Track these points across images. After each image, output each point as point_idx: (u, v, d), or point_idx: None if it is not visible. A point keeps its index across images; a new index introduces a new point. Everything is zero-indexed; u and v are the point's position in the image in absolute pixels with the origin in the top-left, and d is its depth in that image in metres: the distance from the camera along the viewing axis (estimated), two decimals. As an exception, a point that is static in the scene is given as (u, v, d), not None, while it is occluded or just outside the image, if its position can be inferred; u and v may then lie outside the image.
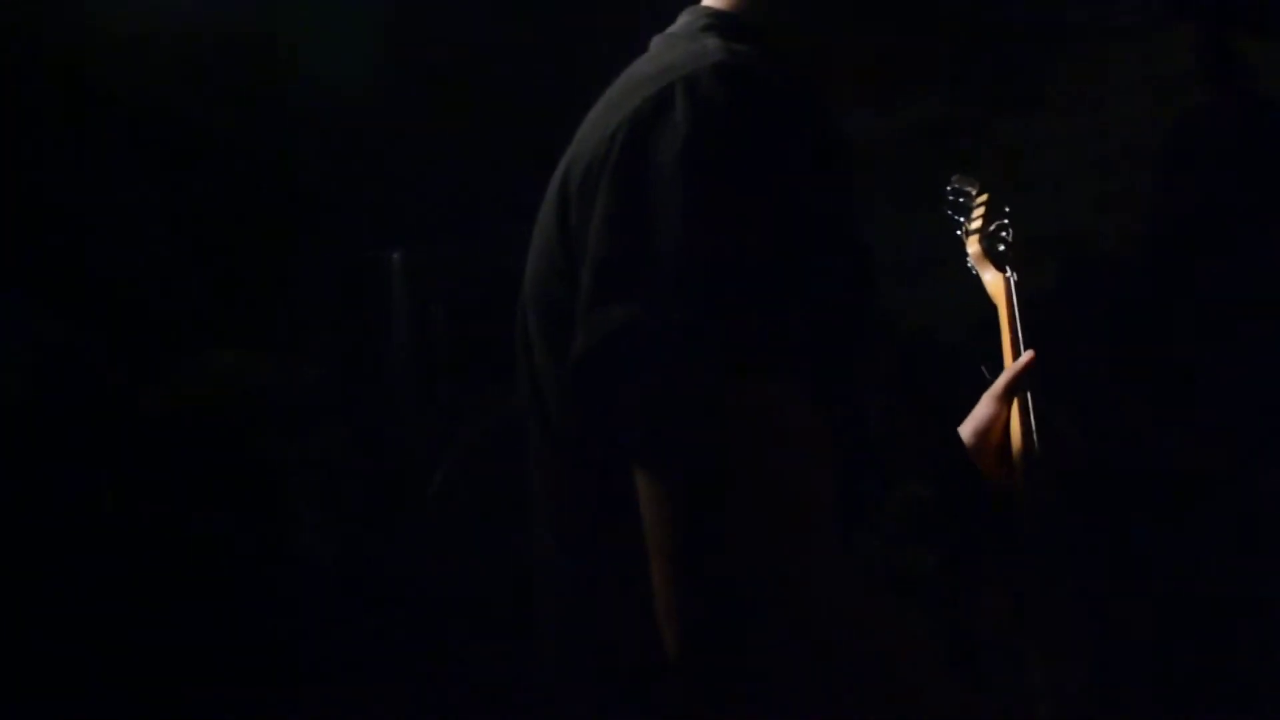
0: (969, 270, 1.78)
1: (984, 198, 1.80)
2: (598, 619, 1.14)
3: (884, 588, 1.12)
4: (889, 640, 0.99)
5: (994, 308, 1.67)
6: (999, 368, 1.57)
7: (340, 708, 2.92)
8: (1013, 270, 1.69)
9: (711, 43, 1.16)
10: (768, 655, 0.93)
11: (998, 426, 1.52)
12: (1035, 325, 1.62)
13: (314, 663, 2.98)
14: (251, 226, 3.81)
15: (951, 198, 1.84)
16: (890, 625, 1.00)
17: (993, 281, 1.71)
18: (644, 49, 1.27)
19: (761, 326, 0.98)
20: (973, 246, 1.77)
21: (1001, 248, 1.74)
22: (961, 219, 1.82)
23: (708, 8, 1.28)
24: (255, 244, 3.80)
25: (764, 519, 0.94)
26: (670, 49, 1.21)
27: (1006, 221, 1.77)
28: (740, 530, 0.94)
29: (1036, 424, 1.47)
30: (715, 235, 1.00)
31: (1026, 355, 1.55)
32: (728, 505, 0.95)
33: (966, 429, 1.53)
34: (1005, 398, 1.53)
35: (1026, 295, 1.65)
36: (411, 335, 3.71)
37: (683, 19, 1.29)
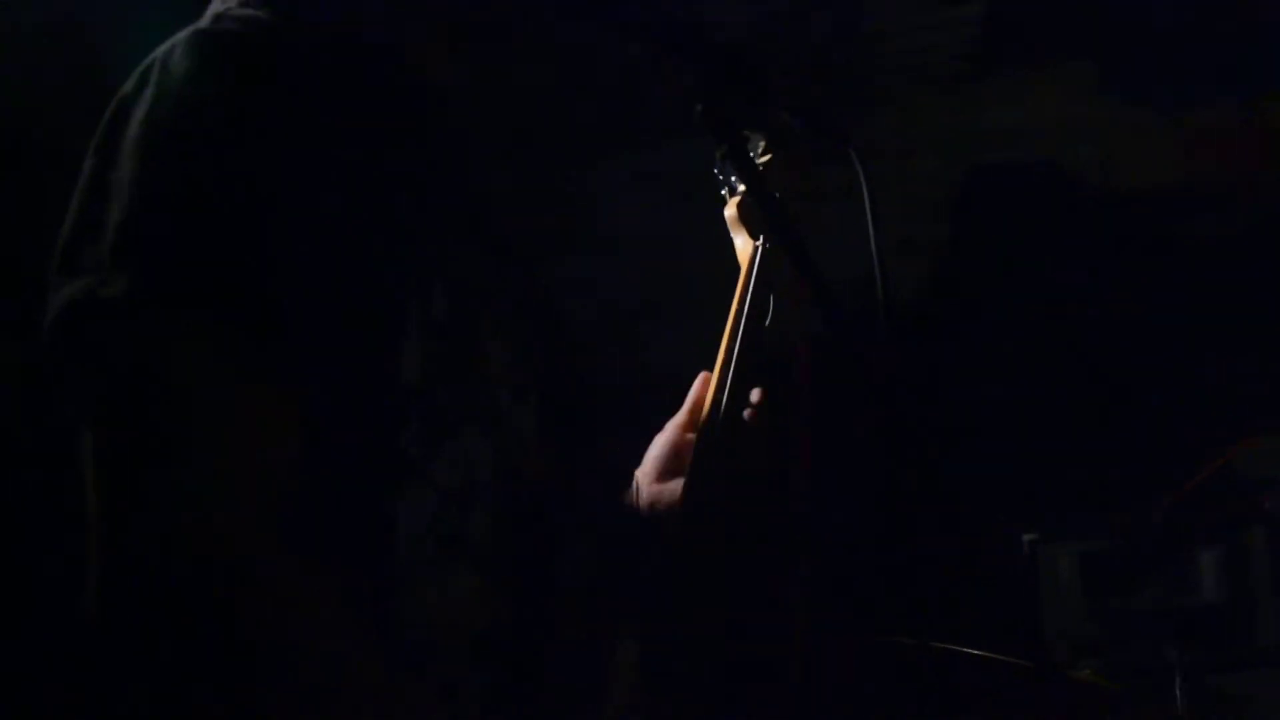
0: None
1: (767, 158, 1.65)
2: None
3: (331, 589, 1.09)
4: (331, 644, 1.03)
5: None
6: None
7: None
8: (765, 240, 1.61)
9: (217, 7, 1.20)
10: (176, 637, 0.97)
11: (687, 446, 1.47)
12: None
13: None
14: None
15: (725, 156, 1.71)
16: (336, 633, 1.04)
17: (743, 248, 1.63)
18: None
19: (201, 298, 1.02)
20: (731, 210, 1.67)
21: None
22: (732, 178, 1.69)
23: None
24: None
25: (196, 490, 0.98)
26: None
27: (774, 192, 1.63)
28: (168, 499, 0.98)
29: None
30: (159, 207, 1.05)
31: (700, 381, 1.50)
32: (160, 472, 0.99)
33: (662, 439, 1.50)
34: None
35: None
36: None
37: None
